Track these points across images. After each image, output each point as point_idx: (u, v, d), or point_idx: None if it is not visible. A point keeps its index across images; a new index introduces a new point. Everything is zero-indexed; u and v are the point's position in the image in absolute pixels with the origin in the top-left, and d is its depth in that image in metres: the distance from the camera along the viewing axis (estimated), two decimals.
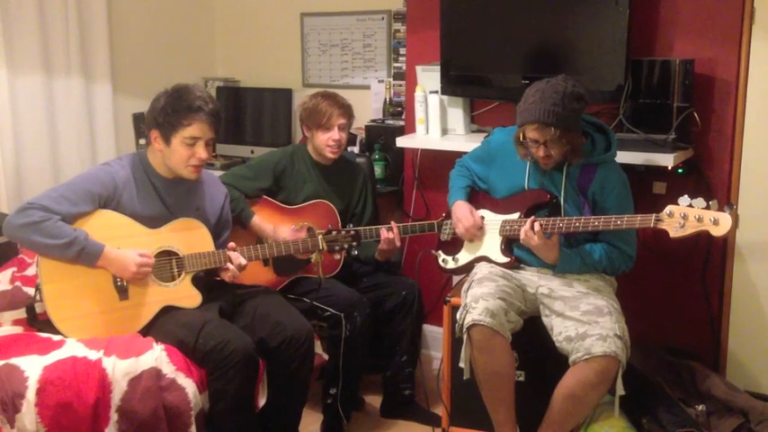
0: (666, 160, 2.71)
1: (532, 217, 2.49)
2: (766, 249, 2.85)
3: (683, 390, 2.72)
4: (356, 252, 2.75)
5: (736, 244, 2.89)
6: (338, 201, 3.08)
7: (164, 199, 2.55)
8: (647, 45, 2.91)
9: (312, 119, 3.01)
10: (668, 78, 2.74)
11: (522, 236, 2.49)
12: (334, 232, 2.72)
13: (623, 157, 2.67)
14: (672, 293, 3.01)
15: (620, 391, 2.35)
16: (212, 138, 2.52)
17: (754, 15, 2.74)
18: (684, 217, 2.26)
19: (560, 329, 2.44)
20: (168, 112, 2.45)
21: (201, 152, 2.48)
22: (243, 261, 2.57)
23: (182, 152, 2.47)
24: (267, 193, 3.04)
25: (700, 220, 2.24)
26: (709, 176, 2.88)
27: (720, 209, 2.23)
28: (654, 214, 2.31)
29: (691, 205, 2.26)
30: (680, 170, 2.85)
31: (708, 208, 2.24)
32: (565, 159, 2.50)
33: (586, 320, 2.39)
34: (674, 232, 2.27)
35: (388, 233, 2.86)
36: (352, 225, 2.80)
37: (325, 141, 3.00)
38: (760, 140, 2.80)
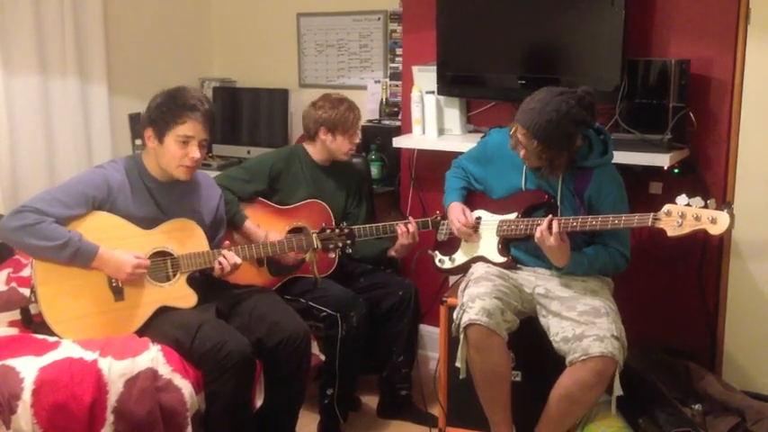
0: (662, 160, 2.71)
1: (550, 216, 2.45)
2: (762, 249, 2.86)
3: (679, 389, 2.73)
4: (350, 250, 2.75)
5: (731, 243, 2.89)
6: (334, 201, 3.08)
7: (158, 202, 2.55)
8: (643, 45, 2.91)
9: (339, 125, 3.02)
10: (664, 78, 2.74)
11: (537, 234, 2.44)
12: (328, 231, 2.71)
13: (619, 157, 2.67)
14: (668, 293, 3.02)
15: (617, 392, 2.35)
16: (205, 138, 2.51)
17: (749, 16, 2.74)
18: (682, 216, 2.25)
19: (557, 330, 2.44)
20: (163, 110, 2.46)
21: (195, 152, 2.48)
22: (238, 260, 2.57)
23: (174, 151, 2.47)
24: (261, 195, 3.03)
25: (697, 218, 2.23)
26: (705, 176, 2.89)
27: (718, 208, 2.23)
28: (651, 213, 2.31)
29: (688, 204, 2.25)
30: (676, 170, 2.85)
31: (705, 207, 2.23)
32: (542, 169, 2.50)
33: (584, 321, 2.39)
34: (672, 231, 2.27)
35: (407, 227, 2.88)
36: (345, 223, 2.80)
37: (348, 146, 3.06)
38: (755, 140, 2.81)
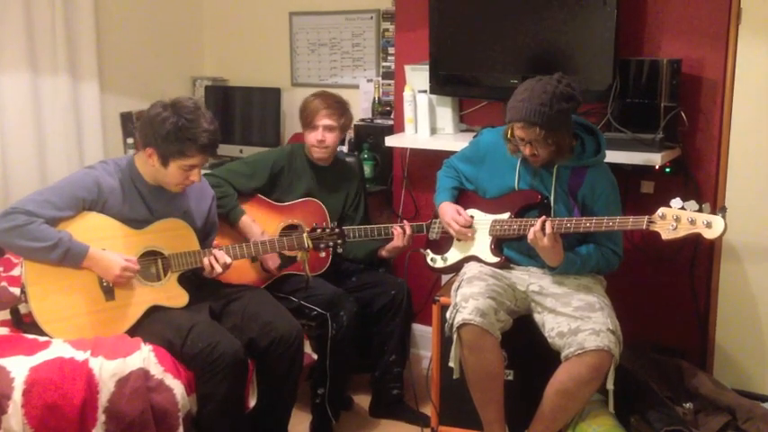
0: (654, 160, 2.72)
1: (543, 217, 2.45)
2: (753, 248, 2.87)
3: (670, 388, 2.73)
4: (341, 250, 2.74)
5: (723, 243, 2.90)
6: (332, 202, 3.08)
7: (149, 205, 2.55)
8: (634, 45, 2.91)
9: (302, 116, 3.03)
10: (656, 78, 2.75)
11: (530, 236, 2.45)
12: (318, 230, 2.71)
13: (611, 156, 2.67)
14: (659, 292, 3.03)
15: (609, 384, 2.35)
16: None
17: (740, 16, 2.75)
18: (677, 219, 2.25)
19: (552, 325, 2.44)
20: (172, 141, 2.40)
21: (195, 177, 2.50)
22: (228, 259, 2.56)
23: (176, 175, 2.48)
24: (260, 191, 3.03)
25: (692, 222, 2.22)
26: (697, 176, 2.90)
27: (713, 212, 2.23)
28: (646, 216, 2.30)
29: (683, 208, 2.25)
30: (667, 169, 2.86)
31: (700, 210, 2.23)
32: (551, 159, 2.50)
33: (579, 316, 2.39)
34: (667, 234, 2.26)
35: (402, 229, 2.89)
36: (336, 223, 2.79)
37: (311, 141, 3.01)
38: (747, 140, 2.82)
